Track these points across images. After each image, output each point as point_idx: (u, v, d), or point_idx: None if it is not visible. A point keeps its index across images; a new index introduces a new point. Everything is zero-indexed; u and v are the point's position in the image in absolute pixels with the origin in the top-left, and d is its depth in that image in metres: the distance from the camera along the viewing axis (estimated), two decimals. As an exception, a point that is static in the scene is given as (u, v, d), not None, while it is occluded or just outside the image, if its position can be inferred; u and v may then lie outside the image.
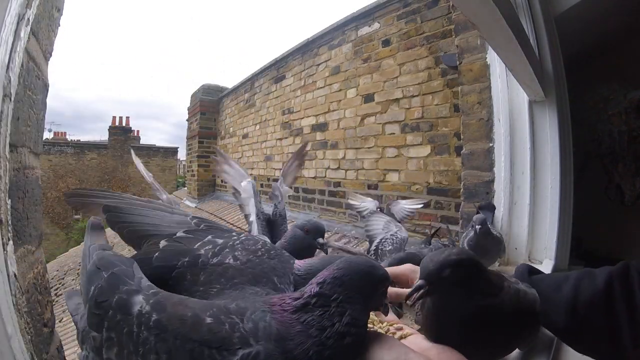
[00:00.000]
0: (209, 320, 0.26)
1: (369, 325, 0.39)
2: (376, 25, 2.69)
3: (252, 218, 0.98)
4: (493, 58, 1.08)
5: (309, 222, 0.80)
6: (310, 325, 0.30)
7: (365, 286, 0.35)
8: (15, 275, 0.31)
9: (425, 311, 0.42)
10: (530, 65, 0.75)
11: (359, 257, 0.40)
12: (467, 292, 0.40)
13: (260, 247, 0.44)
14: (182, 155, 13.78)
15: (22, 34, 0.32)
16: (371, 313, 0.43)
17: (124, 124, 13.47)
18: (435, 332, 0.41)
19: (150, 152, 13.83)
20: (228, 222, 3.99)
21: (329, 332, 0.30)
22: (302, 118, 3.46)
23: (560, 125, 0.96)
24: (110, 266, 0.30)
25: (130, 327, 0.26)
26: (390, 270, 0.52)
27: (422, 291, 0.39)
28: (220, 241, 0.41)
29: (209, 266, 0.37)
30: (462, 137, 1.25)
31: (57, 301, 3.90)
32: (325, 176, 3.11)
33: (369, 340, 0.34)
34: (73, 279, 4.50)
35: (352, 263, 0.36)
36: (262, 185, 4.16)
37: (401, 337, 0.43)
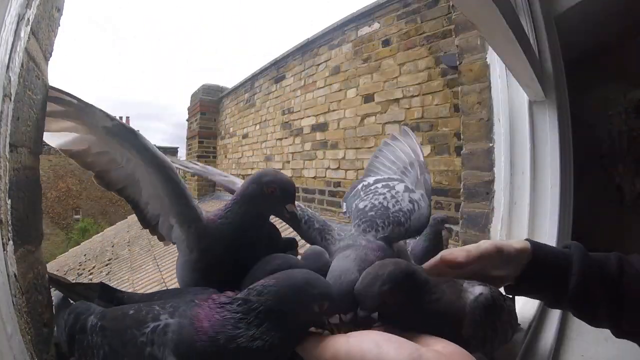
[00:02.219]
0: (131, 311, 0.34)
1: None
2: (376, 25, 2.69)
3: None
4: (493, 58, 1.08)
5: (270, 174, 0.45)
6: (227, 321, 0.32)
7: (293, 303, 0.34)
8: (15, 276, 0.31)
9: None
10: (530, 65, 0.75)
11: (300, 270, 0.38)
12: (408, 302, 0.37)
13: None
14: (182, 155, 13.78)
15: (22, 34, 0.32)
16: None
17: (124, 124, 13.44)
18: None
19: (150, 152, 13.78)
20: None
21: (241, 332, 0.32)
22: (302, 118, 3.46)
23: (560, 125, 0.96)
24: (76, 308, 0.38)
25: (87, 339, 0.34)
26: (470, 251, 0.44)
27: (373, 322, 0.37)
28: None
29: None
30: (462, 137, 1.25)
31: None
32: (325, 176, 3.12)
33: (376, 340, 0.30)
34: (73, 279, 4.50)
35: (289, 276, 0.35)
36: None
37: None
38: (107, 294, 0.39)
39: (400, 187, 0.56)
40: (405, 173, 0.61)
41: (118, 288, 0.43)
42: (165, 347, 0.31)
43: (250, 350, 0.31)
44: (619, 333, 0.48)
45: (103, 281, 0.46)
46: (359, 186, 0.59)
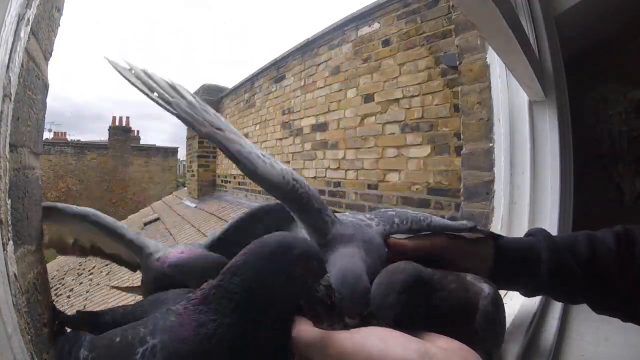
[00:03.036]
0: (117, 339, 0.32)
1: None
2: (376, 25, 2.69)
3: None
4: (493, 58, 1.08)
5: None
6: (203, 317, 0.30)
7: (274, 271, 0.29)
8: (15, 275, 0.31)
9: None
10: (530, 65, 0.75)
11: (270, 235, 0.32)
12: (422, 305, 0.37)
13: None
14: (182, 155, 13.80)
15: (22, 34, 0.32)
16: None
17: (124, 124, 13.48)
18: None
19: (150, 152, 13.84)
20: (228, 222, 3.98)
21: (218, 324, 0.30)
22: (302, 118, 3.46)
23: (560, 125, 0.96)
24: (67, 340, 0.37)
25: None
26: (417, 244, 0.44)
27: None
28: None
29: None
30: (462, 137, 1.25)
31: (57, 301, 3.90)
32: (325, 176, 3.12)
33: (382, 336, 0.30)
34: (73, 279, 4.51)
35: (260, 244, 0.31)
36: (262, 185, 4.16)
37: None
38: (91, 320, 0.38)
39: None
40: None
41: (117, 288, 0.42)
42: None
43: (233, 339, 0.29)
44: (598, 310, 0.48)
45: (86, 301, 0.45)
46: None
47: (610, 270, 0.45)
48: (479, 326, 0.39)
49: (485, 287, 0.41)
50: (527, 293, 0.51)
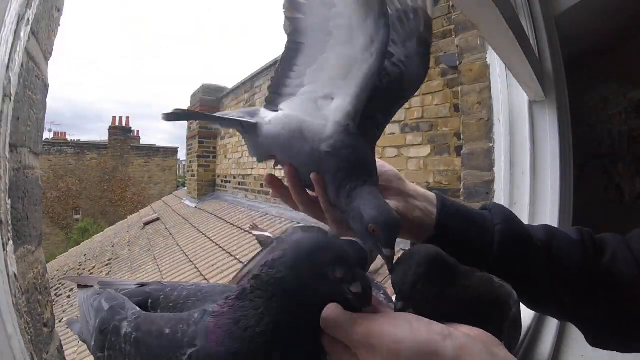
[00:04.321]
0: (167, 331, 0.33)
1: None
2: (376, 25, 2.69)
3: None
4: (493, 58, 1.08)
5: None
6: (240, 312, 0.31)
7: (306, 272, 0.30)
8: (15, 275, 0.31)
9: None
10: (530, 65, 0.75)
11: (310, 235, 0.33)
12: (442, 287, 0.37)
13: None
14: (182, 155, 13.82)
15: (22, 34, 0.32)
16: None
17: (124, 124, 13.50)
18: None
19: (150, 152, 13.86)
20: (228, 222, 4.00)
21: (249, 317, 0.30)
22: (302, 118, 3.46)
23: (560, 125, 0.96)
24: (112, 301, 0.38)
25: (120, 344, 0.34)
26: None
27: (408, 310, 0.35)
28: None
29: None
30: (462, 137, 1.25)
31: (57, 301, 3.91)
32: (325, 176, 3.12)
33: (408, 318, 0.31)
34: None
35: (297, 241, 0.32)
36: (261, 186, 4.16)
37: None
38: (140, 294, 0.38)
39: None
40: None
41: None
42: None
43: (259, 334, 0.30)
44: (563, 315, 0.46)
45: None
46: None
47: (573, 260, 0.43)
48: (507, 331, 0.39)
49: (514, 292, 0.41)
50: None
